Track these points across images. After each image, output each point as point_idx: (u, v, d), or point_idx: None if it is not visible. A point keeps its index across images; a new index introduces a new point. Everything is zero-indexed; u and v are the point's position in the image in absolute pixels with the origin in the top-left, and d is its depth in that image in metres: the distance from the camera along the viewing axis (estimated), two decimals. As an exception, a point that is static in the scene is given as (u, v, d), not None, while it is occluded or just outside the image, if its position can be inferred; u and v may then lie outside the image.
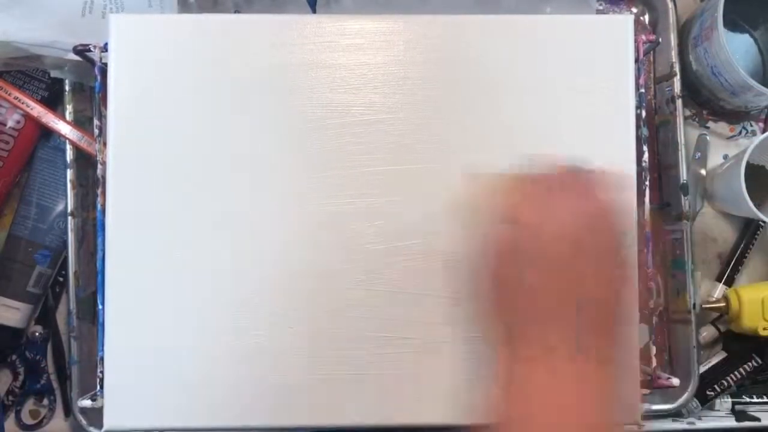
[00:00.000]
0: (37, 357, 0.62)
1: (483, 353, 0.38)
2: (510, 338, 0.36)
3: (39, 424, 0.62)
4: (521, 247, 0.36)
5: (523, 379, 0.35)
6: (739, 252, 0.64)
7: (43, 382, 0.62)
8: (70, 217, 0.59)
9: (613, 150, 0.52)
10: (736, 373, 0.62)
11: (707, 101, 0.65)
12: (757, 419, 0.61)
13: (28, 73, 0.61)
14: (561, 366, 0.35)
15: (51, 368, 0.63)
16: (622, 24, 0.52)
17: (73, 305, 0.59)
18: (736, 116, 0.66)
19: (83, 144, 0.59)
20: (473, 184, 0.40)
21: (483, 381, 0.38)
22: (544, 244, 0.36)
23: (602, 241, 0.37)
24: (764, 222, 0.59)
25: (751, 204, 0.57)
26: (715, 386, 0.62)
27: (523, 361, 0.35)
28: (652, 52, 0.63)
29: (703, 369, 0.62)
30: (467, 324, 0.43)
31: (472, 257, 0.38)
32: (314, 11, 0.60)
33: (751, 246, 0.64)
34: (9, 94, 0.59)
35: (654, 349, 0.55)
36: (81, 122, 0.60)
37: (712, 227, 0.65)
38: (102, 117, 0.54)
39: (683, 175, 0.61)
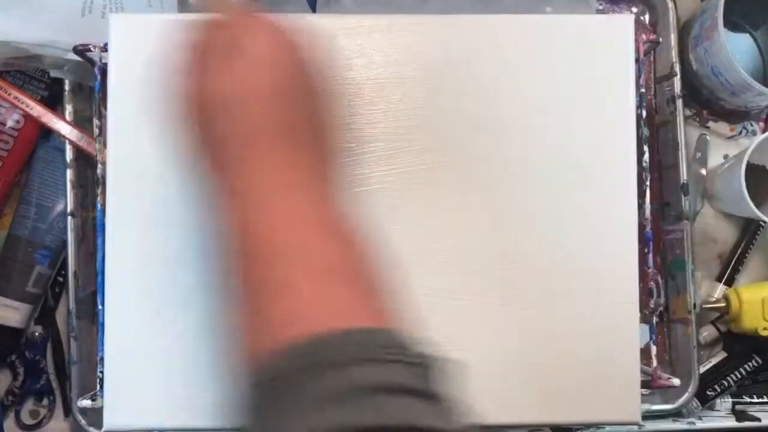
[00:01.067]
0: (37, 357, 0.62)
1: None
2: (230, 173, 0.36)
3: (39, 424, 0.62)
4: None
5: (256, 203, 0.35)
6: (739, 252, 0.64)
7: (42, 382, 0.62)
8: (69, 217, 0.59)
9: (613, 150, 0.52)
10: (736, 373, 0.62)
11: (707, 101, 0.65)
12: (758, 419, 0.61)
13: (28, 73, 0.61)
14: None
15: (51, 368, 0.63)
16: (622, 24, 0.52)
17: (72, 305, 0.59)
18: (736, 116, 0.66)
19: (83, 144, 0.59)
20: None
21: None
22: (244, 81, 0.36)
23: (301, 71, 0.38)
24: (764, 222, 0.59)
25: (751, 204, 0.57)
26: (716, 386, 0.62)
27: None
28: (652, 52, 0.63)
29: (703, 369, 0.62)
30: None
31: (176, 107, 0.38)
32: (314, 11, 0.60)
33: (751, 246, 0.64)
34: (9, 94, 0.59)
35: (654, 349, 0.55)
36: (81, 122, 0.60)
37: (712, 227, 0.65)
38: (102, 117, 0.54)
39: (683, 175, 0.61)
